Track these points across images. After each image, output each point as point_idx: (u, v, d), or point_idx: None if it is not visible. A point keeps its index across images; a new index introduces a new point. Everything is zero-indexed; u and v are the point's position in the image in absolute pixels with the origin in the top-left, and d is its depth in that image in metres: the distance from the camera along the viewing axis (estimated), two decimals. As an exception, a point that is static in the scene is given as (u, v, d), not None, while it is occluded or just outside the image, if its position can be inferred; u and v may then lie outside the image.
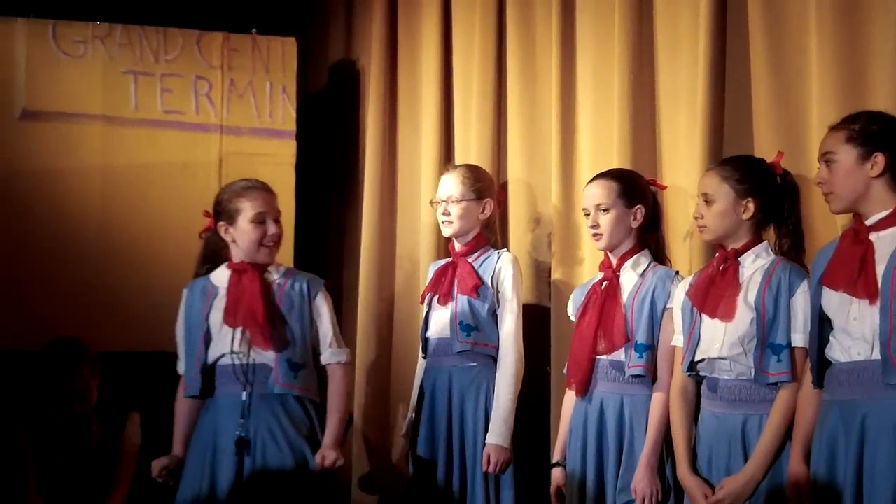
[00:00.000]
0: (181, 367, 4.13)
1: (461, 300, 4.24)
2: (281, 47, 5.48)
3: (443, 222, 4.35)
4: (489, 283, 4.24)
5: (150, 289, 5.13)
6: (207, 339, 4.03)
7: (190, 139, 5.32)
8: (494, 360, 4.22)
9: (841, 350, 3.13)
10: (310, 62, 5.87)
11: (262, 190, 4.08)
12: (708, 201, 3.48)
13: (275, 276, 4.07)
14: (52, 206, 5.07)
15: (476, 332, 4.21)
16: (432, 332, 4.34)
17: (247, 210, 4.01)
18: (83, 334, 4.78)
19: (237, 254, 4.06)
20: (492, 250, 4.33)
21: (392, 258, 5.22)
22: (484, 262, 4.29)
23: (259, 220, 4.01)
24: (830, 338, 3.17)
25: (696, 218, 3.53)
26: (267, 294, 4.00)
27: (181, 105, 5.32)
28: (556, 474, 3.96)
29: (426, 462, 4.26)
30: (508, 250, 4.42)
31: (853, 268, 3.09)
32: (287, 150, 5.42)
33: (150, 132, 5.27)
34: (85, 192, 5.15)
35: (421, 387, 4.37)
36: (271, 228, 4.02)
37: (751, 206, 3.46)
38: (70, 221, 5.09)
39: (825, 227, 3.52)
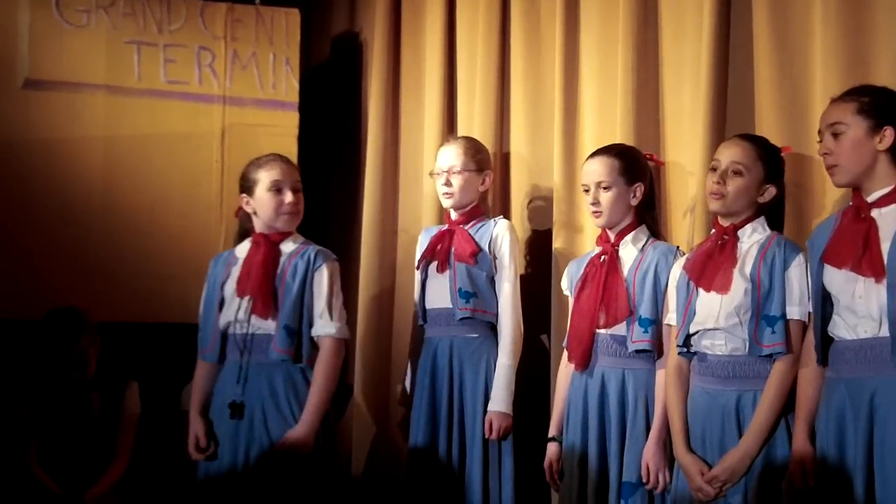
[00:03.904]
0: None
1: (459, 268, 4.25)
2: (284, 18, 5.46)
3: (444, 194, 4.34)
4: (486, 249, 4.25)
5: (151, 259, 5.12)
6: (221, 307, 4.14)
7: (193, 110, 5.29)
8: (495, 328, 4.24)
9: (846, 328, 3.11)
10: (313, 33, 5.85)
11: (280, 161, 4.17)
12: (736, 172, 3.40)
13: (289, 247, 4.13)
14: (55, 176, 5.05)
15: (475, 298, 4.23)
16: (430, 302, 4.36)
17: (263, 179, 4.12)
18: (84, 304, 4.77)
19: (259, 225, 4.16)
20: (487, 219, 4.35)
21: (394, 230, 5.21)
22: (480, 229, 4.31)
23: (275, 189, 4.09)
24: (834, 315, 3.16)
25: (716, 183, 3.42)
26: (274, 264, 4.08)
27: (184, 75, 5.30)
28: (552, 449, 3.97)
29: (426, 431, 4.27)
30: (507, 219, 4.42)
31: (857, 246, 3.07)
32: (290, 122, 5.41)
33: (153, 102, 5.24)
34: (87, 162, 5.13)
35: (421, 356, 4.38)
36: (288, 197, 4.09)
37: (772, 190, 3.44)
38: (72, 191, 5.07)
39: (822, 202, 3.53)
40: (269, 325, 4.06)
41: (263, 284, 4.04)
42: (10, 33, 5.06)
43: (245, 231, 4.24)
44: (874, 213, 3.10)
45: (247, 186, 4.16)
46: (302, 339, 4.06)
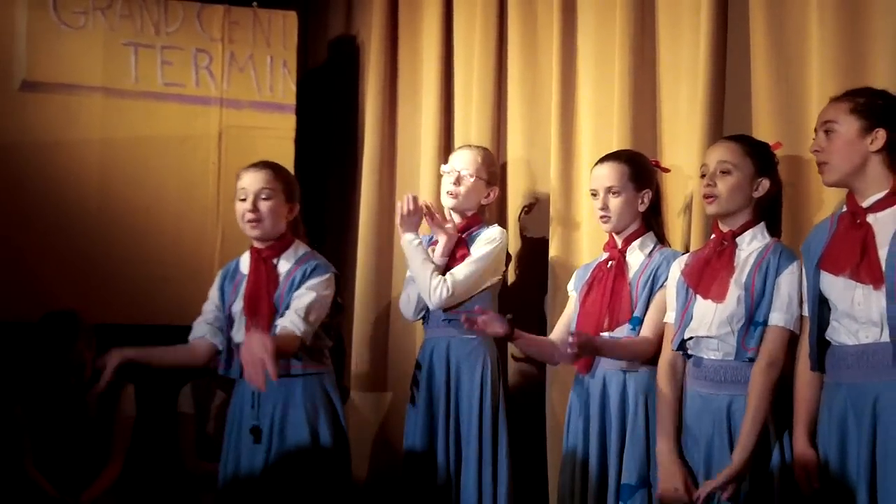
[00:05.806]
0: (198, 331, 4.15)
1: (455, 272, 4.27)
2: (282, 21, 5.46)
3: (448, 192, 4.35)
4: None
5: (147, 262, 5.12)
6: (230, 324, 4.09)
7: (190, 112, 5.30)
8: None
9: (847, 333, 3.09)
10: (310, 36, 5.85)
11: (252, 169, 4.09)
12: (724, 171, 3.40)
13: (289, 263, 4.05)
14: (51, 178, 5.05)
15: (470, 302, 4.24)
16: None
17: (237, 189, 4.08)
18: (80, 306, 4.77)
19: None
20: (484, 226, 4.37)
21: (390, 234, 5.19)
22: (475, 235, 4.33)
23: (240, 198, 4.04)
24: (832, 321, 3.14)
25: (706, 186, 3.42)
26: (273, 285, 4.01)
27: (181, 78, 5.30)
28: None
29: (422, 433, 4.27)
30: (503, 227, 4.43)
31: (855, 253, 3.06)
32: (287, 124, 5.41)
33: (150, 104, 5.24)
34: (84, 164, 5.13)
35: (417, 356, 4.40)
36: (246, 205, 4.00)
37: (765, 183, 3.43)
38: (69, 193, 5.07)
39: (818, 203, 3.52)
40: None
41: (263, 309, 3.97)
42: (7, 35, 5.06)
43: None
44: (870, 217, 3.08)
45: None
46: (311, 347, 4.00)
